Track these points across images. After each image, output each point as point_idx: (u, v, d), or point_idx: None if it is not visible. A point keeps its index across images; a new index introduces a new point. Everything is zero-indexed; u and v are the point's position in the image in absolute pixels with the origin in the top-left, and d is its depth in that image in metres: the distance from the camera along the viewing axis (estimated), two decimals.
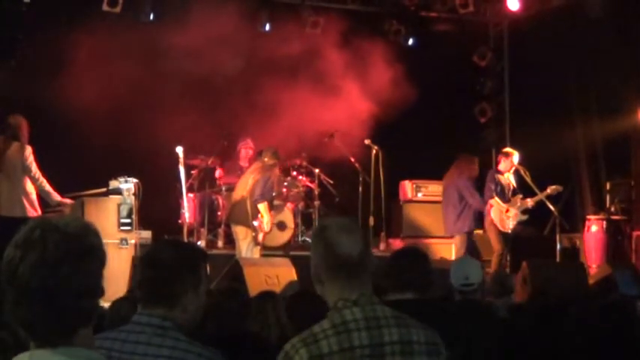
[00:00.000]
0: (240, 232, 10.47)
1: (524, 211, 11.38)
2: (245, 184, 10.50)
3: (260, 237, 10.47)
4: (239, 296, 4.56)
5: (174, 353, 2.67)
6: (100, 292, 1.98)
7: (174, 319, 2.74)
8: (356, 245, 2.66)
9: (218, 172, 12.08)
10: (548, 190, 11.21)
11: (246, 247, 10.35)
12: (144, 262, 2.87)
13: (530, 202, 11.31)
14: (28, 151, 8.79)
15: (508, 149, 11.94)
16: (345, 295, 2.63)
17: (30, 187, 8.84)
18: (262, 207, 10.36)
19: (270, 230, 10.74)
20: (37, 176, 8.77)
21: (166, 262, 2.81)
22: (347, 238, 2.67)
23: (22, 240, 1.93)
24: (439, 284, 4.71)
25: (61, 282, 1.90)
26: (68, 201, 9.13)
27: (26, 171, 8.75)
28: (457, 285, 4.64)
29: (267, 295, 4.97)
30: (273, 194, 11.03)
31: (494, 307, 5.77)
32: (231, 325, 4.24)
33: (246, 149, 11.86)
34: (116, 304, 4.80)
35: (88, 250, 1.97)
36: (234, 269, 8.90)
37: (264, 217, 10.37)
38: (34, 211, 8.72)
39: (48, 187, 8.87)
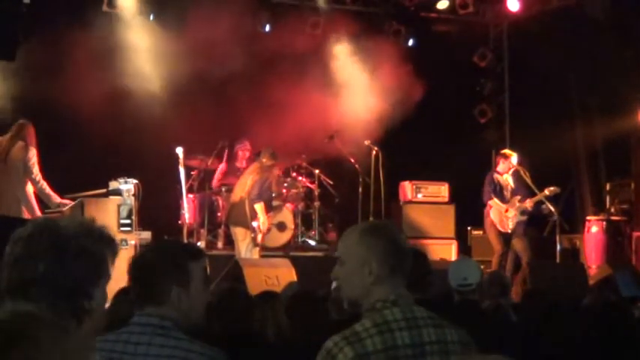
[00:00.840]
0: (239, 233, 10.49)
1: (524, 213, 11.38)
2: (244, 186, 10.52)
3: (259, 238, 10.48)
4: (241, 296, 4.55)
5: (175, 352, 2.67)
6: (87, 295, 1.98)
7: (172, 318, 2.74)
8: (405, 240, 2.83)
9: (217, 175, 12.07)
10: (546, 192, 11.21)
11: (245, 248, 10.37)
12: (131, 264, 2.91)
13: (529, 203, 11.31)
14: (32, 152, 8.80)
15: (506, 150, 11.95)
16: (384, 297, 2.68)
17: (30, 189, 8.84)
18: (259, 207, 10.39)
19: (268, 231, 10.75)
20: (37, 178, 8.77)
21: (148, 261, 2.85)
22: (402, 234, 2.85)
23: (15, 236, 1.98)
24: (439, 285, 4.70)
25: (40, 278, 1.92)
26: (68, 202, 9.13)
27: (27, 172, 8.76)
28: (455, 285, 4.64)
29: (268, 296, 4.96)
30: (272, 195, 11.04)
31: (500, 307, 5.76)
32: (233, 324, 4.24)
33: (243, 151, 11.87)
34: (115, 305, 4.79)
35: (75, 251, 1.97)
36: (234, 270, 8.89)
37: (261, 218, 10.39)
38: (31, 212, 8.71)
39: (48, 190, 8.87)
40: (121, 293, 4.70)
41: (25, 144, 8.81)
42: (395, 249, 2.75)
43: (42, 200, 9.02)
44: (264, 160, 10.51)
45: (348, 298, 2.79)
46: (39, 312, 1.54)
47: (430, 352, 2.65)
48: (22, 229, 2.01)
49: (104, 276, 2.06)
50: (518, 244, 11.29)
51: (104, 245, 2.06)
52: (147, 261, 2.85)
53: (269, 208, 10.76)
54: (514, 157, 11.52)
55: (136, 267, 2.88)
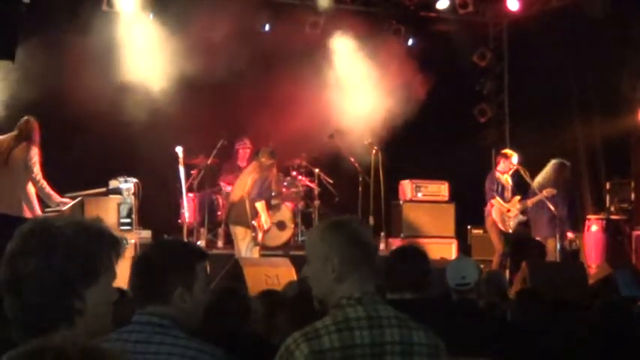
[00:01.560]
0: (239, 232, 10.50)
1: (524, 212, 11.40)
2: (243, 185, 10.53)
3: (259, 236, 10.49)
4: (238, 296, 4.55)
5: (174, 350, 2.68)
6: (77, 294, 1.98)
7: (172, 317, 2.75)
8: (370, 235, 2.78)
9: (222, 176, 12.07)
10: (545, 193, 11.22)
11: (245, 247, 10.37)
12: (135, 262, 2.92)
13: (529, 203, 11.33)
14: (34, 151, 8.81)
15: (507, 150, 11.95)
16: (349, 294, 2.64)
17: (31, 188, 8.84)
18: (259, 206, 10.41)
19: (269, 229, 10.76)
20: (37, 178, 8.78)
21: (155, 260, 2.85)
22: (366, 230, 2.78)
23: (15, 233, 2.00)
24: (438, 284, 4.70)
25: (29, 274, 1.94)
26: (68, 201, 9.14)
27: (28, 171, 8.76)
28: (453, 284, 4.64)
29: (269, 295, 4.96)
30: (272, 194, 11.04)
31: (497, 306, 5.77)
32: (230, 325, 4.24)
33: (243, 149, 11.88)
34: (115, 304, 4.78)
35: (65, 250, 1.97)
36: (234, 269, 8.90)
37: (262, 216, 10.41)
38: (32, 211, 8.71)
39: (48, 190, 8.87)
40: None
41: (28, 143, 8.81)
42: (357, 244, 2.69)
43: (42, 199, 9.03)
44: (263, 159, 10.52)
45: (316, 297, 2.77)
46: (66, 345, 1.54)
47: (391, 353, 2.60)
48: (21, 227, 2.02)
49: (101, 276, 2.03)
50: (493, 234, 11.38)
51: (101, 244, 2.04)
52: (153, 259, 2.85)
53: (268, 207, 10.76)
54: (514, 157, 11.52)
55: (141, 265, 2.88)
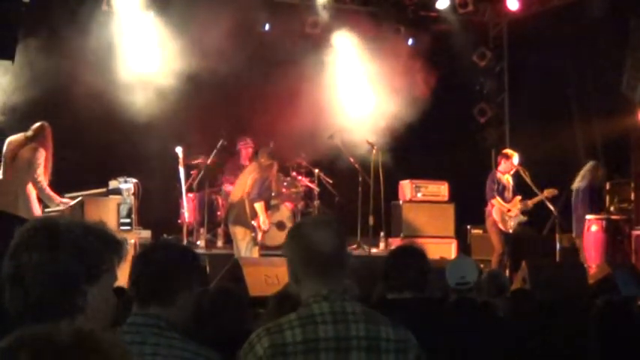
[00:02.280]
0: (238, 232, 10.50)
1: (524, 212, 11.40)
2: (243, 185, 10.54)
3: (259, 236, 10.50)
4: (235, 296, 4.55)
5: (171, 352, 2.68)
6: (80, 291, 2.00)
7: (168, 319, 2.75)
8: (330, 241, 2.69)
9: (225, 176, 12.07)
10: (545, 193, 11.23)
11: (245, 247, 10.37)
12: (140, 261, 2.90)
13: (529, 203, 11.33)
14: (40, 153, 8.84)
15: (508, 150, 11.94)
16: (315, 292, 2.66)
17: (32, 188, 8.86)
18: (258, 207, 10.42)
19: (269, 229, 10.76)
20: (38, 179, 8.79)
21: (163, 261, 2.85)
22: (321, 234, 2.70)
23: (19, 229, 2.05)
24: (438, 284, 4.70)
25: (33, 268, 1.98)
26: (68, 201, 9.15)
27: (31, 171, 8.78)
28: (452, 284, 4.63)
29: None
30: (272, 194, 11.04)
31: (493, 305, 5.76)
32: (229, 325, 4.23)
33: (246, 149, 11.88)
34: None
35: (70, 247, 2.01)
36: (233, 269, 8.89)
37: (261, 217, 10.42)
38: (27, 211, 8.72)
39: (48, 191, 8.88)
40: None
41: (37, 145, 8.87)
42: (311, 249, 2.68)
43: (43, 201, 9.04)
44: (262, 159, 10.53)
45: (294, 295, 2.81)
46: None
47: (357, 347, 2.60)
48: (26, 224, 2.07)
49: (102, 276, 2.06)
50: (493, 234, 11.45)
51: (105, 246, 2.08)
52: (160, 260, 2.85)
53: (267, 207, 10.77)
54: (515, 157, 11.52)
55: (145, 264, 2.86)
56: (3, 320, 2.06)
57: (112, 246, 2.10)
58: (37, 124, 9.04)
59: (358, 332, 2.62)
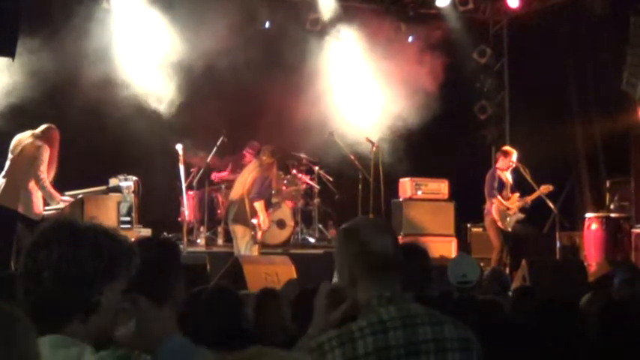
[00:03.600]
0: (238, 230, 10.49)
1: (522, 210, 11.40)
2: (243, 183, 10.54)
3: (259, 235, 10.49)
4: (232, 295, 4.54)
5: None
6: (97, 289, 2.06)
7: None
8: (390, 244, 2.73)
9: (214, 174, 12.07)
10: (542, 189, 11.23)
11: (245, 246, 10.37)
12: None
13: (528, 200, 11.34)
14: (44, 149, 8.86)
15: (507, 147, 11.94)
16: (378, 293, 2.65)
17: (33, 184, 8.86)
18: (258, 205, 10.41)
19: (268, 228, 10.76)
20: (41, 176, 8.80)
21: (161, 260, 2.92)
22: (382, 237, 2.73)
23: (38, 228, 2.14)
24: (439, 282, 4.69)
25: (52, 264, 2.03)
26: (68, 199, 9.15)
27: (33, 167, 8.79)
28: (454, 282, 4.63)
29: (268, 294, 4.94)
30: (272, 192, 11.04)
31: (498, 303, 5.76)
32: (225, 323, 4.22)
33: (251, 155, 11.89)
34: None
35: (90, 246, 2.07)
36: (233, 267, 8.89)
37: (261, 216, 10.41)
38: (25, 206, 8.72)
39: (50, 189, 8.88)
40: None
41: (42, 143, 8.88)
42: (369, 252, 2.70)
43: (44, 198, 9.04)
44: (264, 157, 10.52)
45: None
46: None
47: (425, 351, 2.61)
48: (44, 223, 2.15)
49: (117, 278, 2.12)
50: (491, 231, 11.40)
51: (121, 250, 2.14)
52: (157, 260, 2.88)
53: (268, 205, 10.77)
54: (514, 155, 11.53)
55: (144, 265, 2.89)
56: None
57: (128, 253, 2.17)
58: (46, 125, 9.06)
59: (426, 335, 2.63)
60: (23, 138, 8.99)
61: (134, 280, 2.86)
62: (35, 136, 8.95)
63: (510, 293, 6.75)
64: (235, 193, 10.65)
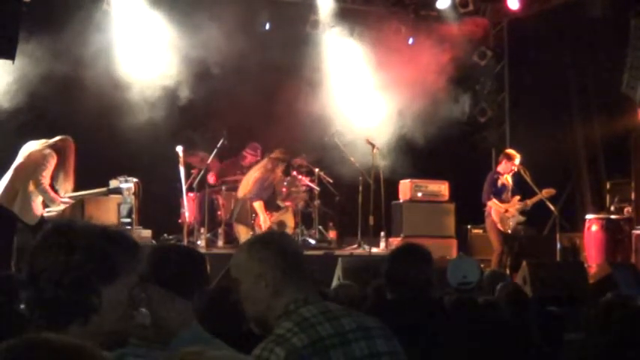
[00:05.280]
0: (241, 230, 10.55)
1: (523, 212, 11.40)
2: (247, 183, 10.59)
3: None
4: (233, 297, 4.53)
5: None
6: (94, 291, 2.04)
7: None
8: (298, 245, 2.84)
9: (211, 176, 12.07)
10: (544, 193, 11.23)
11: None
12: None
13: (528, 203, 11.34)
14: (51, 157, 8.85)
15: (511, 151, 11.85)
16: (293, 299, 2.71)
17: (32, 188, 8.86)
18: (257, 205, 10.44)
19: (269, 229, 10.76)
20: (42, 180, 8.79)
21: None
22: (291, 239, 2.95)
23: (39, 234, 2.13)
24: (438, 284, 4.69)
25: (47, 268, 2.03)
26: (68, 201, 9.15)
27: (36, 172, 8.79)
28: (455, 284, 4.63)
29: None
30: (272, 193, 11.06)
31: (497, 305, 5.76)
32: (228, 325, 4.22)
33: (252, 156, 11.91)
34: None
35: (85, 247, 2.05)
36: None
37: (260, 216, 10.43)
38: (26, 208, 8.73)
39: (49, 192, 8.84)
40: None
41: (50, 151, 8.87)
42: (286, 256, 2.77)
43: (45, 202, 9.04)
44: (273, 155, 10.60)
45: (253, 318, 2.81)
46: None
47: (355, 339, 2.67)
48: (45, 226, 2.16)
49: (118, 278, 2.09)
50: (492, 234, 11.37)
51: (121, 248, 2.12)
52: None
53: (274, 208, 10.81)
54: (517, 159, 11.47)
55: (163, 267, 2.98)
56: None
57: (129, 249, 2.14)
58: (60, 136, 9.05)
59: (350, 325, 2.69)
60: (34, 145, 9.00)
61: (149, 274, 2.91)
62: (45, 145, 8.96)
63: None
64: (240, 192, 10.70)
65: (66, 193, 9.01)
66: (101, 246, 2.08)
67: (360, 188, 12.13)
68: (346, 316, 2.71)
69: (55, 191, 8.99)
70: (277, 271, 2.73)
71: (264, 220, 10.49)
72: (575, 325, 5.04)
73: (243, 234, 10.48)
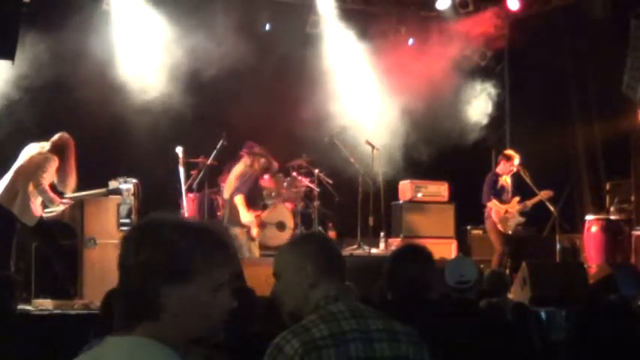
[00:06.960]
0: (235, 232, 10.50)
1: (522, 213, 11.41)
2: (230, 183, 10.60)
3: (254, 232, 10.49)
4: (247, 297, 4.51)
5: None
6: (154, 292, 1.92)
7: None
8: (337, 246, 3.00)
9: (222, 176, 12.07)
10: (543, 194, 11.24)
11: (243, 247, 10.36)
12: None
13: (528, 204, 11.34)
14: (52, 161, 8.87)
15: (510, 152, 11.86)
16: (324, 295, 2.77)
17: (32, 189, 8.87)
18: (238, 200, 10.40)
19: (266, 225, 10.77)
20: (41, 181, 8.80)
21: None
22: (331, 240, 3.07)
23: None
24: (438, 285, 4.68)
25: (122, 268, 1.96)
26: (68, 201, 9.16)
27: (36, 174, 8.79)
28: (452, 283, 4.62)
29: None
30: (252, 188, 10.96)
31: (497, 306, 5.76)
32: (238, 326, 4.21)
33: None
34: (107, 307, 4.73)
35: (153, 241, 1.94)
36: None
37: (241, 211, 10.38)
38: (25, 209, 8.73)
39: (48, 193, 8.85)
40: (111, 296, 4.67)
41: (50, 155, 8.88)
42: (327, 251, 2.88)
43: (44, 203, 9.05)
44: (251, 152, 10.60)
45: (289, 311, 2.86)
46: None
47: (378, 339, 2.69)
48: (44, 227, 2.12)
49: (195, 278, 1.92)
50: (492, 235, 11.36)
51: (200, 245, 1.94)
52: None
53: (263, 207, 10.80)
54: (517, 160, 11.49)
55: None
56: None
57: (211, 245, 1.96)
58: (57, 135, 9.07)
59: (377, 326, 2.72)
60: (35, 147, 9.00)
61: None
62: (46, 147, 8.97)
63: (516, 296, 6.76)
64: (226, 192, 10.70)
65: (71, 191, 9.02)
66: (172, 240, 1.91)
67: (360, 189, 12.13)
68: (375, 317, 2.75)
69: (58, 192, 9.00)
70: (317, 265, 2.81)
71: (244, 215, 10.41)
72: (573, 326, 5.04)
73: (240, 235, 10.44)
